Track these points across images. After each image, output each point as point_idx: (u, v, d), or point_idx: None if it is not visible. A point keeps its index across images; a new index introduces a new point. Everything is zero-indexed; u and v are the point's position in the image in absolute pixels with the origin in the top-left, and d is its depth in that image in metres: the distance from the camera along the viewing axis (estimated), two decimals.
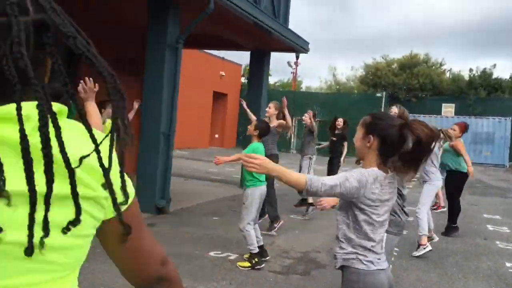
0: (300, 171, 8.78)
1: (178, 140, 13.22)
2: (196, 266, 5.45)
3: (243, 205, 5.56)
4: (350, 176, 2.30)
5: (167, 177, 8.11)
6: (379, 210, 2.36)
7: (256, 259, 5.45)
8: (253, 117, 7.97)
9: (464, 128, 7.83)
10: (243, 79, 35.52)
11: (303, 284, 5.05)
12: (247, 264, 5.46)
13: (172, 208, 8.54)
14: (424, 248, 6.52)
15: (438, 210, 10.26)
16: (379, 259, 2.39)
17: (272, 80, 41.48)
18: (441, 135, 6.52)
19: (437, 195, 10.16)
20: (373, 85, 32.71)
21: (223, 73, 27.53)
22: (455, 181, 7.89)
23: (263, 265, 5.46)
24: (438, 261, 6.25)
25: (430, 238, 6.82)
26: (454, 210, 7.92)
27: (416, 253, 6.51)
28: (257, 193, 5.56)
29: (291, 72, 46.41)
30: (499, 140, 26.71)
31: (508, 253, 6.93)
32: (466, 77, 32.57)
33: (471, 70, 32.30)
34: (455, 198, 7.93)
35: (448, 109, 29.42)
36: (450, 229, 7.86)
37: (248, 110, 8.40)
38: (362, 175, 2.31)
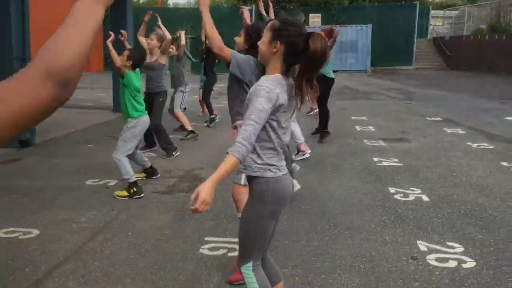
0: (172, 105, 8.31)
1: None
2: (74, 197, 5.12)
3: (120, 136, 5.20)
4: (259, 103, 2.15)
5: None
6: (287, 115, 2.32)
7: (134, 189, 5.17)
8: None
9: (329, 33, 7.99)
10: None
11: (189, 200, 4.98)
12: (125, 193, 5.18)
13: (39, 140, 7.86)
14: (303, 155, 6.79)
15: (312, 113, 10.70)
16: (282, 164, 2.38)
17: None
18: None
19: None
20: None
21: None
22: (321, 87, 8.12)
23: (142, 195, 5.15)
24: (315, 165, 6.57)
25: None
26: (322, 115, 8.25)
27: (295, 157, 6.77)
28: (139, 125, 5.23)
29: None
30: (361, 47, 28.35)
31: (375, 149, 7.50)
32: None
33: None
34: (322, 103, 8.23)
35: (315, 19, 30.27)
36: (322, 134, 8.24)
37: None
38: (270, 92, 2.18)
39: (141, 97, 5.35)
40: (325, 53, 2.19)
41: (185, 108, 8.64)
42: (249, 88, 3.29)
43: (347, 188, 5.42)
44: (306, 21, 29.71)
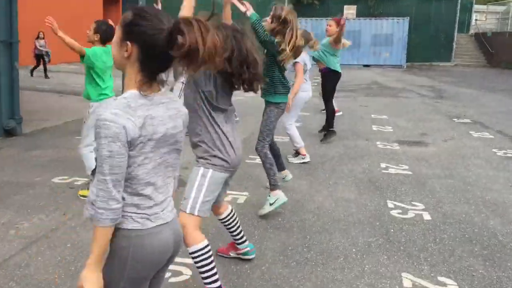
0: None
1: (65, 54, 11.75)
2: (30, 195, 4.63)
3: (83, 123, 4.69)
4: (102, 148, 1.49)
5: (14, 93, 6.94)
6: (160, 147, 1.63)
7: None
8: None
9: (339, 23, 7.22)
10: None
11: None
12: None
13: (30, 129, 7.48)
14: (303, 158, 6.14)
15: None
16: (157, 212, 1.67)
17: None
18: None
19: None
20: None
21: None
22: (325, 82, 7.42)
23: None
24: (312, 168, 5.89)
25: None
26: (328, 112, 7.54)
27: (293, 160, 6.13)
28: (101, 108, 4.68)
29: None
30: (397, 41, 27.14)
31: (385, 153, 6.74)
32: None
33: None
34: (328, 99, 7.51)
35: (350, 11, 29.15)
36: (327, 133, 7.54)
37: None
38: (110, 127, 1.48)
39: (109, 77, 4.78)
40: (219, 46, 1.52)
41: None
42: (206, 101, 2.72)
43: (338, 200, 4.73)
44: (341, 13, 28.76)
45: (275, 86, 4.28)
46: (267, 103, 4.39)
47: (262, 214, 4.23)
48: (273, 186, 4.32)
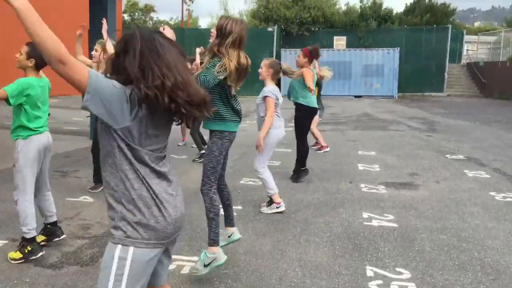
0: None
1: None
2: None
3: (13, 167, 3.91)
4: None
5: None
6: None
7: (29, 247, 3.89)
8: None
9: (308, 53, 6.55)
10: (125, 16, 32.47)
11: (76, 281, 3.57)
12: (19, 255, 3.90)
13: None
14: (277, 207, 5.33)
15: (322, 151, 9.26)
16: None
17: (165, 17, 38.66)
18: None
19: (314, 134, 9.13)
20: (265, 19, 31.20)
21: None
22: (299, 117, 6.72)
23: (40, 254, 3.91)
24: (283, 220, 5.08)
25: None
26: (300, 150, 6.80)
27: (267, 211, 5.32)
28: (31, 147, 3.91)
29: (186, 10, 43.80)
30: (388, 71, 26.73)
31: (369, 199, 5.95)
32: (358, 10, 32.03)
33: (361, 0, 31.74)
34: (301, 136, 6.78)
35: (339, 42, 28.88)
36: (299, 173, 6.78)
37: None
38: None
39: (44, 110, 4.03)
40: None
41: None
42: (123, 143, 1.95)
43: (306, 266, 3.90)
44: (331, 44, 28.41)
45: (218, 110, 3.52)
46: (210, 132, 3.64)
47: (194, 273, 3.43)
48: (212, 241, 3.52)
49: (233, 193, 6.12)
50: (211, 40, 3.58)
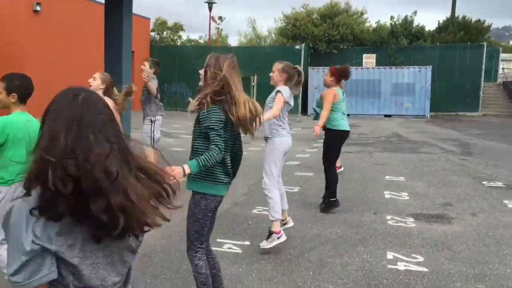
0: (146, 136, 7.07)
1: None
2: None
3: None
4: None
5: None
6: None
7: None
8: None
9: (336, 72, 5.96)
10: (153, 34, 32.60)
11: None
12: None
13: None
14: (278, 238, 4.69)
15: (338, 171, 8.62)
16: None
17: (195, 36, 38.85)
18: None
19: None
20: (293, 37, 30.75)
21: None
22: (325, 141, 6.14)
23: None
24: (294, 261, 4.45)
25: (283, 223, 5.00)
26: (327, 179, 6.18)
27: (266, 245, 4.67)
28: None
29: (216, 28, 44.00)
30: (419, 90, 25.82)
31: (395, 234, 5.27)
32: (389, 27, 31.28)
33: (392, 18, 30.98)
34: (328, 163, 6.17)
35: (369, 59, 28.13)
36: (328, 204, 6.14)
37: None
38: None
39: (20, 153, 3.44)
40: None
41: None
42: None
43: None
44: (360, 62, 27.73)
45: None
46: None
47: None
48: None
49: (243, 225, 5.57)
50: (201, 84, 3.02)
